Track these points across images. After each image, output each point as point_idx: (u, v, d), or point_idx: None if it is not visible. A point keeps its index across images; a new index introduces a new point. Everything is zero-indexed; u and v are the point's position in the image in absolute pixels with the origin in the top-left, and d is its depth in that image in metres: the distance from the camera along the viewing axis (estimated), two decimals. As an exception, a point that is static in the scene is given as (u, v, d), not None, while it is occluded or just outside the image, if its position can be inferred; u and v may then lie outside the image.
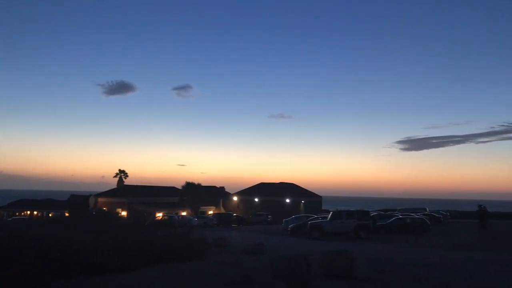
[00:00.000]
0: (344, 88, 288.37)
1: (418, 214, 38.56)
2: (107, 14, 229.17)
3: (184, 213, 55.18)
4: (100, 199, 61.43)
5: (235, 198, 69.84)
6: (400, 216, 33.98)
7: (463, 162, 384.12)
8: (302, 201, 66.88)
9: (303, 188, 73.72)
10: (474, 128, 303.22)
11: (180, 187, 63.57)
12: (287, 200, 65.49)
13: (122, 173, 73.33)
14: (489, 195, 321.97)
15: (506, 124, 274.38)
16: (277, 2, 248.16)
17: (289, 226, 33.31)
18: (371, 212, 34.84)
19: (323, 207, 70.38)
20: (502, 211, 59.47)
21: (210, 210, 63.07)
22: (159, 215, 49.23)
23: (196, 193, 60.86)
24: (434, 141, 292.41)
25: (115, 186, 71.05)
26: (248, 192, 69.79)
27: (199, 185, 62.75)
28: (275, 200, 64.85)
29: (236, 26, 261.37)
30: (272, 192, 67.04)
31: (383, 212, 43.42)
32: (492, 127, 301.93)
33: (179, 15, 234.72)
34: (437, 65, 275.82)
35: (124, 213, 52.27)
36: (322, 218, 32.29)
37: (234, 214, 54.83)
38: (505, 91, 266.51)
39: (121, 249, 12.52)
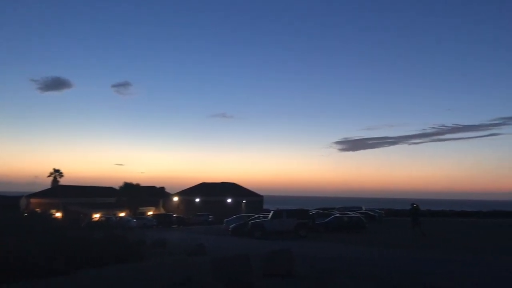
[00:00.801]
0: (285, 88, 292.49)
1: (355, 212, 39.87)
2: (42, 6, 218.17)
3: (122, 214, 53.66)
4: (32, 200, 58.56)
5: (175, 199, 68.90)
6: (338, 215, 34.83)
7: (397, 162, 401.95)
8: (244, 201, 67.18)
9: (244, 187, 74.04)
10: (408, 130, 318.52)
11: (118, 188, 62.07)
12: (229, 200, 65.50)
13: (56, 173, 70.16)
14: (421, 194, 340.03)
15: (436, 126, 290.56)
16: (216, 0, 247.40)
17: (230, 226, 33.29)
18: (310, 211, 35.52)
19: (264, 207, 70.99)
20: (432, 209, 62.76)
21: (149, 211, 61.74)
22: (96, 216, 47.62)
23: (135, 194, 59.61)
24: (370, 142, 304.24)
25: (49, 186, 67.88)
26: (189, 192, 69.14)
27: (138, 185, 61.52)
28: (217, 200, 64.67)
29: (177, 23, 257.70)
30: (213, 192, 66.81)
31: (321, 211, 44.45)
32: (424, 129, 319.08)
33: (119, 10, 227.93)
34: (374, 70, 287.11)
35: (58, 215, 50.00)
36: (263, 217, 32.51)
37: (174, 215, 54.06)
38: (436, 96, 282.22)
39: (54, 252, 11.93)
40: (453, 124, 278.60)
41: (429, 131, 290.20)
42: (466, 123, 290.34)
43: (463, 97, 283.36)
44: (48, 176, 70.08)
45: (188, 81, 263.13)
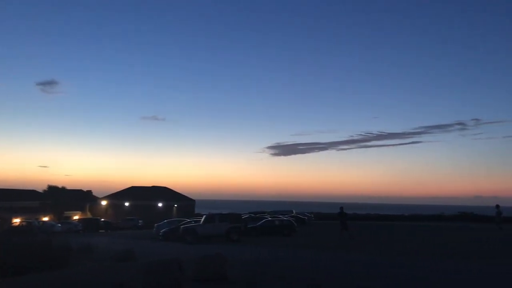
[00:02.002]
0: (219, 93, 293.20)
1: (286, 216, 40.61)
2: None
3: (46, 219, 51.06)
4: None
5: (103, 203, 66.60)
6: (269, 219, 35.27)
7: (326, 167, 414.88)
8: (175, 205, 66.33)
9: (176, 191, 73.11)
10: (336, 136, 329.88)
11: (41, 191, 59.15)
12: (160, 204, 64.42)
13: (-27, 175, 65.44)
14: (349, 198, 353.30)
15: (363, 133, 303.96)
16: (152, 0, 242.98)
17: (161, 231, 32.71)
18: (242, 215, 35.69)
19: (197, 211, 70.57)
20: (358, 212, 65.36)
21: (75, 215, 59.22)
22: (16, 221, 44.89)
23: (60, 197, 57.22)
24: (301, 147, 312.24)
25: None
26: (118, 196, 67.16)
27: (63, 189, 59.30)
28: (147, 204, 63.42)
29: (108, 21, 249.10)
30: (143, 196, 65.47)
31: (254, 215, 44.85)
32: (351, 136, 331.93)
33: (46, 5, 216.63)
34: (306, 77, 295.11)
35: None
36: (195, 222, 32.22)
37: (102, 219, 52.20)
38: (363, 104, 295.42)
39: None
40: (378, 132, 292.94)
41: (356, 137, 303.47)
42: (390, 131, 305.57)
43: (388, 106, 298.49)
44: (-35, 178, 65.30)
45: (119, 82, 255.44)
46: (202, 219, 30.27)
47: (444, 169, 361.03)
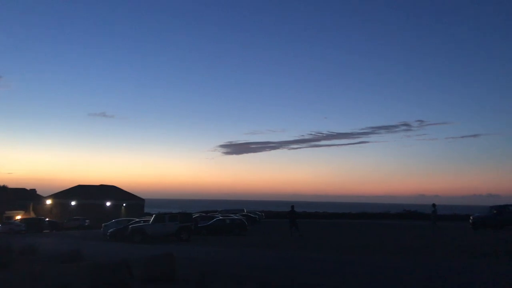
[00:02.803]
0: (170, 90, 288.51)
1: (237, 215, 40.82)
2: None
3: (-16, 219, 48.59)
4: None
5: (48, 202, 64.28)
6: (220, 218, 35.36)
7: (277, 166, 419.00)
8: (124, 204, 65.07)
9: (125, 190, 71.64)
10: (288, 136, 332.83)
11: (-20, 189, 56.31)
12: (108, 203, 62.95)
13: None
14: (299, 196, 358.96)
15: (313, 133, 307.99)
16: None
17: (109, 231, 32.02)
18: (193, 214, 35.56)
19: (146, 210, 69.56)
20: (308, 211, 66.69)
21: (18, 215, 56.73)
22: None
23: (1, 196, 54.79)
24: (253, 146, 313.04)
25: None
26: (64, 195, 65.05)
27: (4, 187, 57.01)
28: (95, 203, 61.83)
29: (54, 13, 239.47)
30: (91, 195, 63.78)
31: (204, 214, 44.83)
32: (302, 135, 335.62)
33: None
34: (257, 77, 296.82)
35: None
36: (145, 221, 31.78)
37: (47, 219, 50.36)
38: (314, 104, 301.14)
39: None
40: (328, 132, 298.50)
41: (307, 137, 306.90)
42: (339, 131, 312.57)
43: (337, 106, 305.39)
44: None
45: (66, 76, 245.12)
46: (152, 219, 29.95)
47: (390, 168, 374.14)
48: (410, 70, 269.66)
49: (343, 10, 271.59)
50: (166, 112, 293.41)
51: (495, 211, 31.65)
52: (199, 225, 32.87)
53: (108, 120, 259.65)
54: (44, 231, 45.39)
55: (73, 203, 62.34)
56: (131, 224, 31.23)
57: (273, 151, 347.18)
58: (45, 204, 64.05)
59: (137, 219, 36.23)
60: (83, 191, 65.58)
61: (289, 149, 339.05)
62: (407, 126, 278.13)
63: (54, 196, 65.55)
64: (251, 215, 46.29)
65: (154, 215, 31.08)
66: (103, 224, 37.08)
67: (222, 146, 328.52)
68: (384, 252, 17.65)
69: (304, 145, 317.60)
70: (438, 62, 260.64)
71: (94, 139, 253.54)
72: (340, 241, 24.12)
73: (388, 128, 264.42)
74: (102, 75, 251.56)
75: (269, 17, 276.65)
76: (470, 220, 32.71)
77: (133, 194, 71.26)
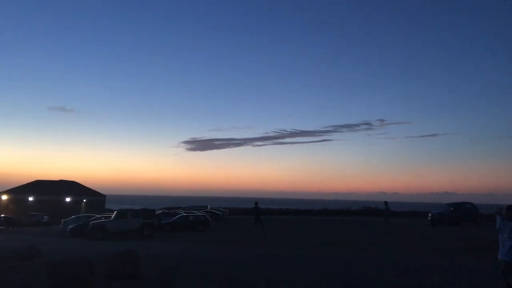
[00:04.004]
0: (132, 85, 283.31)
1: (200, 211, 40.68)
2: None
3: None
4: None
5: (4, 197, 62.04)
6: (184, 214, 35.16)
7: (242, 163, 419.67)
8: (84, 200, 63.71)
9: (85, 186, 70.08)
10: (252, 133, 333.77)
11: None
12: (67, 199, 61.46)
13: None
14: (263, 193, 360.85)
15: (277, 130, 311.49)
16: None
17: (69, 227, 31.29)
18: (156, 211, 35.20)
19: (107, 206, 68.32)
20: (272, 207, 67.10)
21: (-30, 211, 54.48)
22: None
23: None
24: (217, 142, 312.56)
25: None
26: (21, 191, 62.92)
27: (-43, 182, 54.26)
28: (53, 199, 60.19)
29: (12, 6, 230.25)
30: (49, 191, 62.02)
31: (168, 210, 44.48)
32: (266, 133, 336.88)
33: None
34: (223, 74, 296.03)
35: None
36: (106, 217, 31.23)
37: (2, 215, 48.62)
38: (278, 102, 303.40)
39: None
40: (292, 129, 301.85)
41: (271, 134, 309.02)
42: (303, 129, 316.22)
43: (301, 104, 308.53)
44: None
45: (23, 68, 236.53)
46: (113, 215, 29.47)
47: (351, 166, 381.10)
48: (372, 70, 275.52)
49: (304, 9, 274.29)
50: (128, 106, 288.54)
51: (452, 209, 32.87)
52: (162, 222, 32.59)
53: (68, 114, 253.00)
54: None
55: (30, 198, 60.45)
56: (91, 220, 30.63)
57: (237, 148, 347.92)
58: (1, 200, 61.85)
59: (98, 215, 35.57)
60: (41, 187, 63.68)
61: (253, 146, 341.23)
62: (368, 125, 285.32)
63: (10, 191, 63.34)
64: (215, 211, 46.21)
65: (115, 211, 30.56)
66: (62, 220, 36.28)
67: (186, 142, 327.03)
68: (344, 248, 18.07)
69: (268, 142, 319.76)
70: (399, 63, 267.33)
71: (54, 133, 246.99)
72: (302, 237, 24.46)
73: (350, 127, 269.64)
74: (61, 68, 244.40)
75: (230, 14, 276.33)
76: (429, 217, 33.83)
77: (94, 190, 69.84)
